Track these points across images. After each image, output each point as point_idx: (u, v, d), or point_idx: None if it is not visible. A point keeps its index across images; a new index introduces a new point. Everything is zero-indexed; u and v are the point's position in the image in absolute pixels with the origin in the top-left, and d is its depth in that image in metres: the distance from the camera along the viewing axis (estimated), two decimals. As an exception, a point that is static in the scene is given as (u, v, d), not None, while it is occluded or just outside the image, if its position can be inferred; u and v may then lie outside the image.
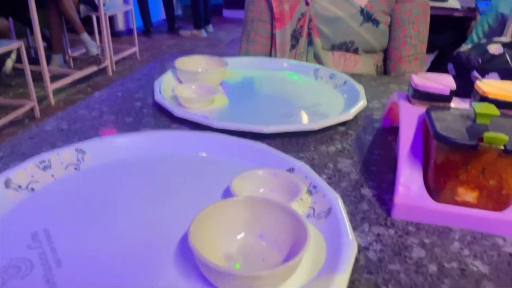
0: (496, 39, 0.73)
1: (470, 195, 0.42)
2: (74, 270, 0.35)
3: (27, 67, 2.36)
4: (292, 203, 0.42)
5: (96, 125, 0.62)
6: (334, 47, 1.00)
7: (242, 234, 0.38)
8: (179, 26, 4.98)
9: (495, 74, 0.67)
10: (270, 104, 0.72)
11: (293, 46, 1.02)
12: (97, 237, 0.39)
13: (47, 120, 0.64)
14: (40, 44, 2.53)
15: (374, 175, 0.52)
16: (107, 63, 3.28)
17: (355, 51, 1.00)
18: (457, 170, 0.41)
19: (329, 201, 0.42)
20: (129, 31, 4.44)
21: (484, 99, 0.48)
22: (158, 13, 5.22)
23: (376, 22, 0.97)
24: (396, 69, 1.01)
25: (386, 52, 1.04)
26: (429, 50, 1.06)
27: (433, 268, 0.37)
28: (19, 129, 2.33)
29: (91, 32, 3.32)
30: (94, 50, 3.17)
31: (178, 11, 5.66)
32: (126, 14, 4.61)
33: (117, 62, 3.57)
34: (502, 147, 0.38)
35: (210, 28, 5.05)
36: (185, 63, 0.78)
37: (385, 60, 1.05)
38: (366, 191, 0.48)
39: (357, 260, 0.38)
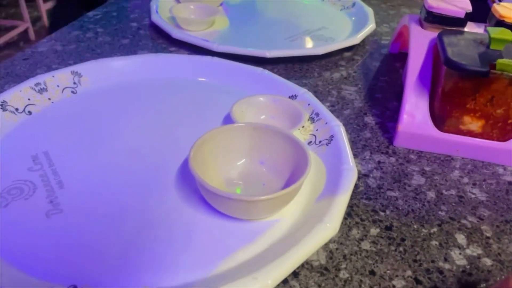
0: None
1: (475, 124, 0.41)
2: (76, 191, 0.35)
3: (17, -15, 2.23)
4: (294, 130, 0.41)
5: (91, 47, 0.60)
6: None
7: (243, 160, 0.38)
8: None
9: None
10: (273, 27, 0.69)
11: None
12: (97, 159, 0.39)
13: (41, 41, 0.61)
14: (29, -41, 2.37)
15: (379, 103, 0.50)
16: (101, -19, 3.10)
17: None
18: (465, 98, 0.40)
19: (331, 129, 0.41)
20: None
21: (500, 23, 0.45)
22: None
23: None
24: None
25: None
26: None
27: (431, 195, 0.38)
28: (14, 51, 2.27)
29: None
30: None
31: None
32: None
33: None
34: (515, 75, 0.37)
35: None
36: (183, -20, 0.73)
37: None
38: (369, 119, 0.47)
39: (356, 186, 0.38)
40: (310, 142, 0.42)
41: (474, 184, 0.39)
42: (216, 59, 0.52)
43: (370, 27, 0.63)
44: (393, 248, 0.33)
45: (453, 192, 0.38)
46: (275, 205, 0.33)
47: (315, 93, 0.51)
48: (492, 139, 0.41)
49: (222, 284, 0.26)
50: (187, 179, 0.37)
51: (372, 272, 0.30)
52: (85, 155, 0.39)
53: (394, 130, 0.44)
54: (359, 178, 0.39)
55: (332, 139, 0.40)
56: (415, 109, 0.42)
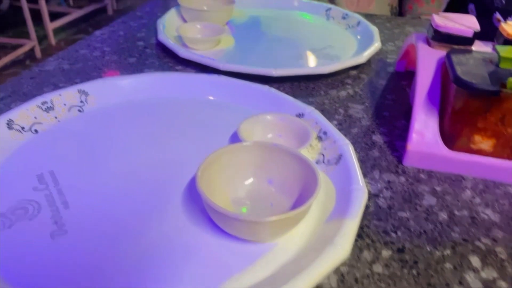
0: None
1: (486, 143, 0.40)
2: (81, 211, 0.34)
3: (25, 5, 2.27)
4: (301, 149, 0.40)
5: (98, 65, 0.60)
6: (347, -15, 0.94)
7: (250, 180, 0.37)
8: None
9: (519, 16, 0.63)
10: (279, 46, 0.69)
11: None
12: (103, 179, 0.38)
13: (48, 59, 0.61)
14: (37, -20, 2.42)
15: (386, 121, 0.50)
16: (107, 1, 3.16)
17: (370, -11, 0.94)
18: (476, 117, 0.39)
19: (339, 148, 0.41)
20: (130, -33, 4.22)
21: (508, 42, 0.45)
22: None
23: (393, -42, 0.91)
24: (412, 10, 0.96)
25: (402, -9, 0.98)
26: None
27: (443, 215, 0.37)
28: (20, 69, 2.30)
29: (89, -32, 3.16)
30: (94, -13, 3.03)
31: None
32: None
33: (118, 1, 3.43)
34: (526, 94, 0.36)
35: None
36: (189, 1, 0.74)
37: (400, 0, 1.00)
38: (378, 138, 0.47)
39: (366, 207, 0.37)
40: (318, 161, 0.41)
41: (487, 205, 0.39)
42: (222, 77, 0.52)
43: (376, 45, 0.63)
44: (406, 271, 0.32)
45: (465, 213, 0.37)
46: (284, 226, 0.32)
47: (322, 111, 0.50)
48: (504, 158, 0.41)
49: (231, 309, 0.26)
50: (194, 198, 0.36)
51: (385, 297, 0.29)
52: (91, 174, 0.39)
53: (403, 149, 0.43)
54: (369, 198, 0.38)
55: (340, 158, 0.40)
56: (424, 128, 0.42)
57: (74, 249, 0.31)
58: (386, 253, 0.33)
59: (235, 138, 0.43)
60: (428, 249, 0.34)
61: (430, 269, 0.32)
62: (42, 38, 2.66)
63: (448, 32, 0.47)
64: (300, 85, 0.57)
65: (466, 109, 0.40)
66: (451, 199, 0.39)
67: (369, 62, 0.64)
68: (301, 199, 0.34)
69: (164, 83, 0.52)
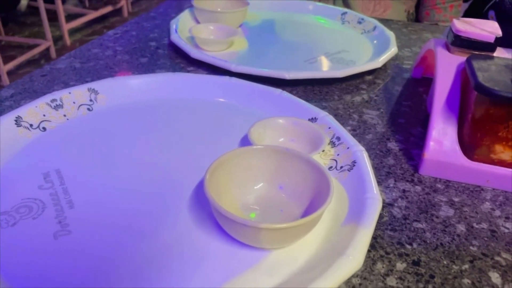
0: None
1: (507, 154, 0.39)
2: (86, 211, 0.34)
3: (42, 6, 2.30)
4: (314, 154, 0.39)
5: (109, 65, 0.60)
6: (363, -10, 0.93)
7: (260, 184, 0.36)
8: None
9: (541, 24, 0.61)
10: (293, 49, 0.68)
11: (318, -12, 0.95)
12: (110, 180, 0.37)
13: (60, 58, 0.61)
14: (55, -19, 2.45)
15: (402, 128, 0.48)
16: (123, 3, 3.18)
17: (386, -5, 0.93)
18: (497, 125, 0.38)
19: (353, 154, 0.39)
20: (146, -30, 4.26)
21: (532, 49, 0.43)
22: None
23: (411, -37, 0.89)
24: (429, 16, 0.94)
25: (419, -3, 0.96)
26: (464, -2, 0.98)
27: (461, 228, 0.35)
28: (35, 69, 2.32)
29: (106, -30, 3.20)
30: (110, -11, 3.07)
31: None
32: (143, -48, 4.41)
33: (133, 3, 3.47)
34: (552, 102, 0.35)
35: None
36: (203, 2, 0.73)
37: (417, 6, 0.98)
38: (393, 145, 0.45)
39: (380, 216, 0.36)
40: (331, 167, 0.40)
41: (507, 218, 0.37)
42: (234, 80, 0.51)
43: (392, 50, 0.62)
44: (421, 285, 0.30)
45: (484, 226, 0.36)
46: (294, 234, 0.31)
47: (336, 116, 0.49)
48: (526, 170, 0.39)
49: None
50: (202, 202, 0.35)
51: (399, 312, 0.28)
52: (98, 174, 0.38)
53: (420, 158, 0.42)
54: (383, 207, 0.37)
55: (354, 165, 0.38)
56: (442, 136, 0.40)
57: (77, 251, 0.30)
58: (400, 265, 0.31)
59: (245, 141, 0.42)
60: (445, 262, 0.32)
61: (447, 284, 0.30)
62: (58, 38, 2.70)
63: (469, 37, 0.45)
64: (313, 89, 0.56)
65: (487, 117, 0.38)
66: (470, 211, 0.37)
67: (385, 67, 0.63)
68: (313, 206, 0.33)
69: (175, 83, 0.51)
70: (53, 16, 2.60)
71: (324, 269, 0.27)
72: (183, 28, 0.68)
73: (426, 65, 0.58)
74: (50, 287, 0.27)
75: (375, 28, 0.72)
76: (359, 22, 0.75)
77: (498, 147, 0.39)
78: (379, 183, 0.40)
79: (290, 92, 0.51)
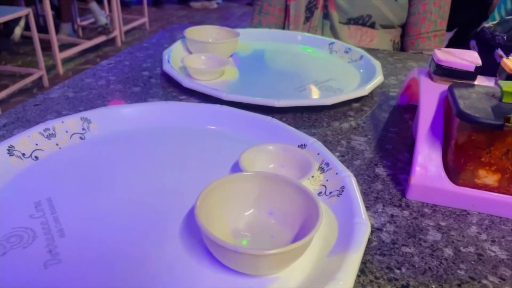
0: (522, 15, 0.69)
1: (491, 178, 0.40)
2: (77, 240, 0.34)
3: (35, 35, 2.33)
4: (303, 180, 0.40)
5: (102, 94, 0.61)
6: (350, 21, 0.96)
7: (251, 210, 0.36)
8: (190, -3, 4.89)
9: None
10: (282, 78, 0.70)
11: (307, 19, 0.99)
12: (101, 208, 0.37)
13: (54, 87, 0.62)
14: (49, 12, 2.50)
15: (389, 154, 0.49)
16: (116, 33, 3.24)
17: (372, 25, 0.96)
18: (480, 151, 0.39)
19: (342, 180, 0.40)
20: (139, 1, 4.36)
21: (511, 77, 0.45)
22: (169, -17, 5.11)
23: (395, -5, 0.93)
24: (414, 45, 0.97)
25: (404, 28, 1.00)
26: (448, 28, 1.02)
27: (448, 252, 0.36)
28: (27, 97, 2.33)
29: (100, 1, 3.27)
30: (103, 19, 3.12)
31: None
32: (136, -16, 4.53)
33: (126, 33, 3.52)
34: (530, 128, 0.36)
35: (219, -1, 4.95)
36: (195, 32, 0.75)
37: (402, 36, 1.01)
38: (381, 170, 0.46)
39: (369, 241, 0.36)
40: (320, 192, 0.41)
41: (493, 241, 0.37)
42: (225, 107, 0.52)
43: (379, 79, 0.64)
44: (411, 310, 0.30)
45: (471, 250, 0.36)
46: (284, 260, 0.31)
47: (325, 142, 0.50)
48: (510, 194, 0.40)
49: None
50: (192, 229, 0.35)
51: (390, 337, 0.28)
52: (89, 202, 0.38)
53: (407, 183, 0.43)
54: (372, 232, 0.37)
55: (343, 190, 0.39)
56: (428, 161, 0.41)
57: (68, 280, 0.30)
58: (390, 290, 0.32)
59: (236, 168, 0.43)
60: (434, 287, 0.32)
61: (436, 309, 0.30)
62: (51, 67, 2.72)
63: (450, 67, 0.47)
64: (302, 116, 0.57)
65: (470, 143, 0.39)
66: (457, 234, 0.38)
67: (371, 95, 0.65)
68: (303, 231, 0.33)
69: (167, 112, 0.52)
70: (46, 46, 2.63)
71: (314, 295, 0.28)
72: (176, 58, 0.70)
73: (411, 93, 0.60)
74: (39, 317, 0.27)
75: (361, 57, 0.74)
76: (346, 52, 0.77)
77: (482, 172, 0.40)
78: (367, 208, 0.40)
79: (280, 119, 0.52)
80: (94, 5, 3.06)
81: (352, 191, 0.38)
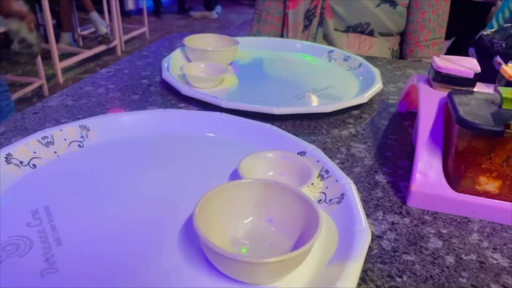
0: (521, 23, 0.69)
1: (492, 185, 0.39)
2: (74, 249, 0.33)
3: (36, 45, 2.33)
4: (303, 187, 0.40)
5: (101, 102, 0.61)
6: (349, 29, 0.97)
7: (250, 218, 0.36)
8: (189, 6, 4.92)
9: (519, 60, 0.64)
10: (281, 86, 0.70)
11: (306, 27, 0.99)
12: (99, 216, 0.37)
13: (52, 96, 0.62)
14: (49, 22, 2.51)
15: (389, 161, 0.49)
16: (116, 42, 3.25)
17: (371, 33, 0.97)
18: (480, 157, 0.39)
19: (342, 187, 0.40)
20: (139, 11, 4.39)
21: (510, 84, 0.45)
22: (169, -7, 5.16)
23: (393, 4, 0.93)
24: (413, 53, 0.97)
25: (402, 35, 1.00)
26: (446, 36, 1.02)
27: (450, 259, 0.35)
28: (27, 107, 2.33)
29: (100, 11, 3.29)
30: (103, 29, 3.14)
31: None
32: (136, -6, 4.56)
33: (126, 42, 3.54)
34: (531, 135, 0.36)
35: (218, 9, 4.98)
36: (194, 41, 0.76)
37: (401, 44, 1.02)
38: (381, 178, 0.46)
39: (370, 249, 0.36)
40: (320, 200, 0.40)
41: (495, 249, 0.37)
42: (224, 115, 0.52)
43: (378, 86, 0.64)
44: (412, 319, 0.30)
45: (473, 257, 0.36)
46: (284, 268, 0.30)
47: (324, 150, 0.50)
48: (511, 201, 0.40)
49: None
50: (191, 237, 0.35)
51: None
52: (86, 211, 0.38)
53: (407, 190, 0.42)
54: (372, 240, 0.37)
55: (343, 198, 0.39)
56: (428, 169, 0.41)
57: (64, 289, 0.30)
58: (391, 299, 0.31)
59: (235, 175, 0.42)
60: (436, 295, 0.32)
61: (438, 317, 0.30)
62: (51, 76, 2.73)
63: (449, 74, 0.47)
64: (302, 124, 0.57)
65: (470, 149, 0.39)
66: (458, 242, 0.38)
67: (371, 102, 0.65)
68: (302, 239, 0.33)
69: (166, 120, 0.52)
70: (46, 55, 2.64)
71: (314, 303, 0.27)
72: (175, 66, 0.70)
73: (410, 100, 0.60)
74: (35, 327, 0.27)
75: (360, 65, 0.74)
76: (345, 60, 0.78)
77: (482, 179, 0.40)
78: (367, 215, 0.40)
79: (279, 126, 0.52)
80: (94, 15, 3.08)
81: (352, 199, 0.38)
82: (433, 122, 0.44)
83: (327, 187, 0.41)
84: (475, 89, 0.48)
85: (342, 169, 0.46)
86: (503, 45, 0.65)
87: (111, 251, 0.33)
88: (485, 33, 0.68)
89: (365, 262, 0.34)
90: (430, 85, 0.50)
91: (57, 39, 2.88)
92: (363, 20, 0.95)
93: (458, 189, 0.40)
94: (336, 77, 0.74)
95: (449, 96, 0.43)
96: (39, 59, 2.38)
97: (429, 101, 0.46)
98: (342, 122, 0.58)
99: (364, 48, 0.98)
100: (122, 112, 0.58)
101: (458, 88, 0.47)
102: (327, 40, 0.98)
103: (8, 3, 1.52)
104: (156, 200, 0.40)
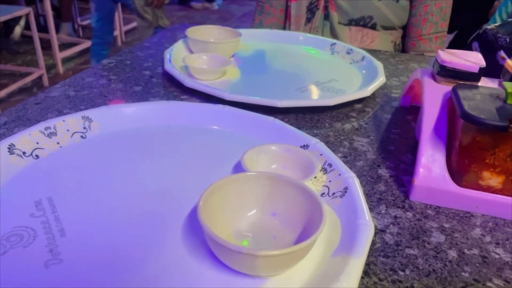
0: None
1: (495, 180, 0.39)
2: (78, 240, 0.33)
3: (35, 34, 2.33)
4: (306, 180, 0.40)
5: (103, 93, 0.60)
6: (351, 22, 0.96)
7: (253, 211, 0.36)
8: (190, -3, 4.89)
9: (523, 55, 0.63)
10: (284, 78, 0.70)
11: (308, 20, 0.99)
12: (102, 207, 0.37)
13: (54, 86, 0.62)
14: (49, 11, 2.49)
15: (392, 155, 0.49)
16: (116, 33, 3.23)
17: (373, 26, 0.96)
18: (484, 152, 0.39)
19: (345, 181, 0.40)
20: (139, 2, 4.35)
21: (515, 78, 0.45)
22: (169, -17, 5.11)
23: (397, -3, 0.93)
24: (415, 47, 0.97)
25: (405, 29, 1.00)
26: (448, 30, 1.02)
27: (452, 254, 0.36)
28: (27, 97, 2.32)
29: (100, 1, 3.26)
30: (104, 19, 3.12)
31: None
32: (137, -16, 4.52)
33: (126, 33, 3.52)
34: (536, 130, 0.36)
35: (219, 0, 4.94)
36: (196, 32, 0.75)
37: (403, 37, 1.01)
38: (383, 172, 0.46)
39: (373, 242, 0.36)
40: (323, 193, 0.40)
41: (497, 244, 0.37)
42: (227, 108, 0.52)
43: (381, 80, 0.64)
44: (415, 312, 0.30)
45: (475, 252, 0.36)
46: (287, 261, 0.31)
47: (327, 143, 0.50)
48: (513, 196, 0.40)
49: None
50: (195, 229, 0.35)
51: None
52: (90, 202, 0.38)
53: (410, 184, 0.42)
54: (375, 233, 0.37)
55: (346, 191, 0.39)
56: (431, 163, 0.41)
57: (69, 279, 0.30)
58: (394, 292, 0.31)
59: (238, 168, 0.42)
60: (438, 289, 0.32)
61: (441, 311, 0.30)
62: (51, 67, 2.71)
63: (454, 68, 0.47)
64: (305, 117, 0.57)
65: (474, 144, 0.39)
66: (460, 237, 0.38)
67: (373, 96, 0.64)
68: (306, 232, 0.33)
69: (168, 112, 0.52)
70: (46, 45, 2.62)
71: (318, 296, 0.27)
72: (177, 58, 0.70)
73: (414, 94, 0.60)
74: (40, 317, 0.27)
75: (363, 58, 0.74)
76: (348, 53, 0.77)
77: (486, 174, 0.40)
78: (370, 209, 0.40)
79: (282, 119, 0.52)
80: (94, 5, 3.06)
81: (355, 192, 0.38)
82: (437, 116, 0.44)
83: (330, 181, 0.41)
84: (479, 84, 0.47)
85: (345, 163, 0.46)
86: (507, 39, 0.64)
87: (115, 243, 0.33)
88: (489, 27, 0.67)
89: (368, 255, 0.34)
90: (435, 79, 0.49)
91: (57, 29, 2.86)
92: (366, 14, 0.94)
93: (461, 183, 0.40)
94: (339, 70, 0.73)
95: (454, 90, 0.43)
96: (39, 49, 2.36)
97: (434, 95, 0.46)
98: (345, 115, 0.58)
99: (367, 42, 0.97)
100: (122, 103, 0.57)
101: (462, 82, 0.47)
102: (333, 33, 0.98)
103: None
104: (159, 191, 0.40)
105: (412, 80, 0.56)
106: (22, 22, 3.02)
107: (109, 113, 0.50)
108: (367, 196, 0.42)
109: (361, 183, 0.43)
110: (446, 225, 0.39)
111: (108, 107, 0.50)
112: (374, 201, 0.41)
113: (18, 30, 3.01)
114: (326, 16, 0.97)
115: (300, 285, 0.31)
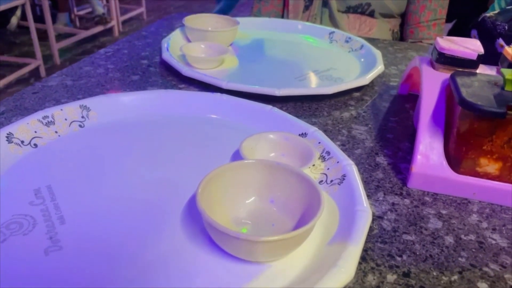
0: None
1: (492, 167, 0.40)
2: (77, 228, 0.33)
3: (32, 25, 2.31)
4: (304, 168, 0.40)
5: (101, 82, 0.60)
6: (349, 9, 0.96)
7: (252, 198, 0.36)
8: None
9: (522, 43, 0.63)
10: (282, 67, 0.69)
11: (306, 8, 0.98)
12: (101, 195, 0.37)
13: (52, 75, 0.61)
14: (46, 2, 2.47)
15: (390, 143, 0.49)
16: (113, 23, 3.21)
17: (371, 14, 0.95)
18: (481, 139, 0.39)
19: (343, 168, 0.40)
20: (136, -9, 4.32)
21: (513, 65, 0.45)
22: (166, -27, 5.06)
23: (395, -16, 0.92)
24: (413, 34, 0.96)
25: (403, 17, 0.99)
26: (447, 19, 1.01)
27: (449, 240, 0.36)
28: (24, 87, 2.31)
29: (97, -9, 3.23)
30: (100, 9, 3.10)
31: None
32: (134, -27, 4.48)
33: (123, 23, 3.50)
34: (533, 116, 0.36)
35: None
36: (194, 21, 0.75)
37: (401, 25, 1.01)
38: (381, 159, 0.46)
39: (371, 229, 0.36)
40: (321, 181, 0.40)
41: (494, 229, 0.38)
42: (225, 96, 0.52)
43: (379, 68, 0.64)
44: (412, 296, 0.30)
45: (472, 237, 0.36)
46: (286, 247, 0.31)
47: (325, 131, 0.50)
48: (511, 182, 0.40)
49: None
50: (194, 217, 0.35)
51: (391, 323, 0.28)
52: (89, 190, 0.38)
53: (408, 171, 0.42)
54: (373, 220, 0.37)
55: (344, 179, 0.39)
56: (429, 150, 0.41)
57: (68, 266, 0.30)
58: (391, 277, 0.32)
59: (237, 156, 0.43)
60: (435, 274, 0.32)
61: (437, 295, 0.31)
62: (48, 57, 2.70)
63: (452, 55, 0.47)
64: (303, 106, 0.57)
65: (472, 131, 0.39)
66: (457, 223, 0.38)
67: (372, 84, 0.64)
68: (304, 219, 0.33)
69: (166, 100, 0.52)
70: (43, 36, 2.61)
71: (315, 281, 0.28)
72: (175, 47, 0.69)
73: (412, 82, 0.60)
74: (41, 303, 0.27)
75: (362, 46, 0.73)
76: (347, 41, 0.77)
77: (483, 160, 0.40)
78: (368, 196, 0.40)
79: (281, 108, 0.52)
80: (91, -5, 3.03)
81: (353, 179, 0.38)
82: (435, 103, 0.44)
83: (328, 168, 0.41)
84: (477, 71, 0.47)
85: (343, 151, 0.46)
86: (506, 27, 0.64)
87: (115, 230, 0.34)
88: (488, 15, 0.67)
89: (366, 241, 0.35)
90: (433, 67, 0.49)
91: (54, 20, 2.83)
92: (364, 1, 0.94)
93: (459, 170, 0.41)
94: (337, 58, 0.73)
95: (452, 77, 0.43)
96: (35, 39, 2.35)
97: (432, 83, 0.46)
98: (344, 104, 0.58)
99: (365, 30, 0.97)
100: (121, 92, 0.57)
101: (461, 69, 0.47)
102: (332, 21, 0.97)
103: None
104: (157, 180, 0.40)
105: (411, 68, 0.56)
106: (18, 12, 2.99)
107: (107, 102, 0.49)
108: (365, 183, 0.42)
109: (359, 170, 0.43)
110: (443, 212, 0.39)
111: (106, 96, 0.50)
112: (372, 188, 0.42)
113: (14, 20, 2.99)
114: (324, 3, 0.96)
115: (299, 271, 0.31)
